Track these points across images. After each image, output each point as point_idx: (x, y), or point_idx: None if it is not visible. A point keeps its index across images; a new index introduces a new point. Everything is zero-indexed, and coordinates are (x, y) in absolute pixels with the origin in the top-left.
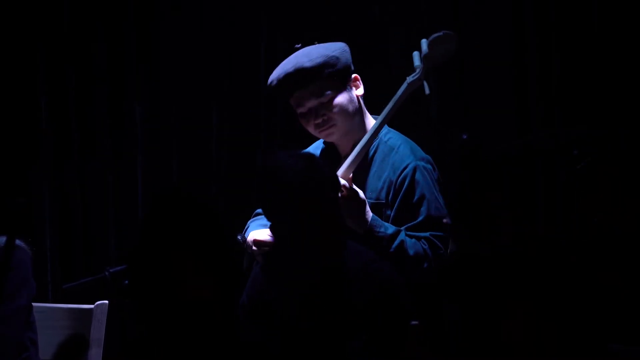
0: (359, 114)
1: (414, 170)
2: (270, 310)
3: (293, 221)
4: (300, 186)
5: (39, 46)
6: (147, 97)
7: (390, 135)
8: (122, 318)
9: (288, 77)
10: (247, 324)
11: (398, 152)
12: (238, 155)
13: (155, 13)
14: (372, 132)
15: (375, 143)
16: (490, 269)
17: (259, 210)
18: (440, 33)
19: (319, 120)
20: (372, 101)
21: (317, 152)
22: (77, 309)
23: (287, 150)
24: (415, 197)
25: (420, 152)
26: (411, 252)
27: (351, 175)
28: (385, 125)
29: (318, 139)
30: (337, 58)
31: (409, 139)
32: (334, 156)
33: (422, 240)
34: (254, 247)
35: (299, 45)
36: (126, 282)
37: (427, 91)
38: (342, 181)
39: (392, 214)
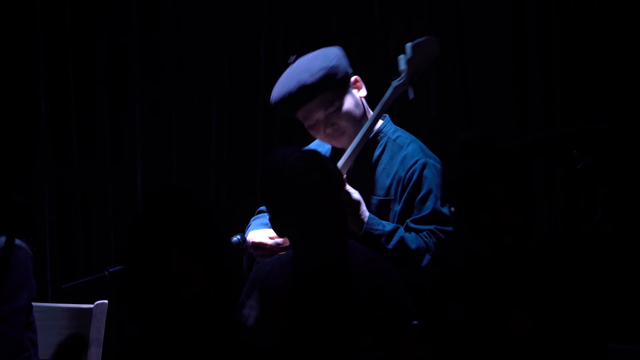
0: (365, 116)
1: (423, 165)
2: (270, 310)
3: (297, 218)
4: (305, 183)
5: (39, 45)
6: (147, 97)
7: (398, 133)
8: (121, 318)
9: (292, 95)
10: (246, 324)
11: (407, 149)
12: (238, 154)
13: (155, 13)
14: (362, 133)
15: (382, 141)
16: (491, 270)
17: (262, 208)
18: (423, 38)
19: (329, 130)
20: (372, 102)
21: (322, 150)
22: (76, 309)
23: (292, 147)
24: (423, 191)
25: (430, 152)
26: (413, 245)
27: (345, 175)
28: (393, 124)
29: None
30: (337, 67)
31: (417, 139)
32: (337, 155)
33: (425, 232)
34: (252, 249)
35: (294, 58)
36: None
37: (411, 96)
38: None
39: (399, 208)
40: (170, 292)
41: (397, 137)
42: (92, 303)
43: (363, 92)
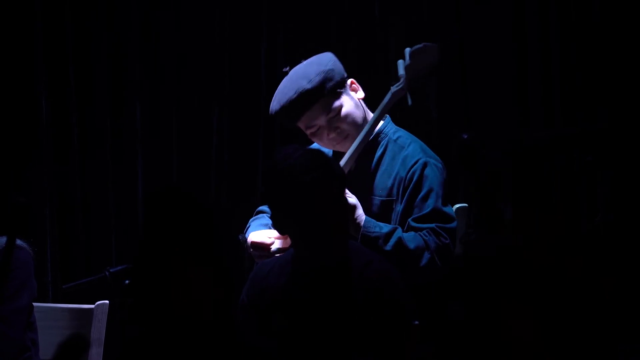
0: (365, 117)
1: (424, 165)
2: (270, 310)
3: (298, 217)
4: (307, 181)
5: (39, 45)
6: (147, 97)
7: (399, 134)
8: (122, 318)
9: (293, 103)
10: (246, 324)
11: (408, 149)
12: (238, 154)
13: (155, 13)
14: (362, 136)
15: (383, 142)
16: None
17: (261, 208)
18: (421, 45)
19: (333, 135)
20: (372, 102)
21: (324, 149)
22: (77, 309)
23: (295, 146)
24: (424, 190)
25: (431, 152)
26: (411, 245)
27: (347, 170)
28: (394, 125)
29: None
30: (333, 71)
31: (418, 139)
32: (338, 156)
33: (425, 231)
34: (251, 250)
35: (287, 69)
36: (126, 281)
37: (409, 103)
38: None
39: (401, 208)
40: (171, 292)
41: (397, 138)
42: (93, 303)
43: (360, 93)
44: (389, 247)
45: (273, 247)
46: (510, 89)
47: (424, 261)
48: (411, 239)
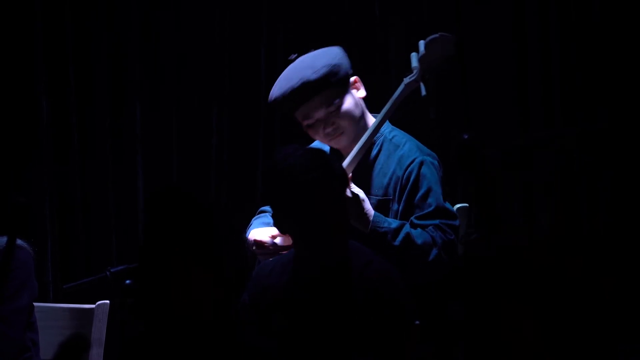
0: (363, 117)
1: (421, 164)
2: (271, 309)
3: (298, 216)
4: (307, 181)
5: (39, 45)
6: (147, 97)
7: (394, 133)
8: (122, 318)
9: (295, 92)
10: (247, 324)
11: (404, 148)
12: (238, 154)
13: (155, 13)
14: (371, 131)
15: (379, 141)
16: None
17: (263, 208)
18: (437, 35)
19: (329, 129)
20: (372, 101)
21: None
22: (78, 309)
23: (295, 145)
24: (423, 190)
25: (427, 149)
26: (419, 241)
27: (350, 174)
28: (389, 124)
29: None
30: (339, 65)
31: (413, 138)
32: (336, 155)
33: (430, 227)
34: (254, 247)
35: (295, 56)
36: (127, 281)
37: (423, 93)
38: None
39: (399, 208)
40: (171, 292)
41: (393, 137)
42: (94, 303)
43: (362, 92)
44: (397, 242)
45: (275, 245)
46: (510, 89)
47: (431, 256)
48: (418, 235)
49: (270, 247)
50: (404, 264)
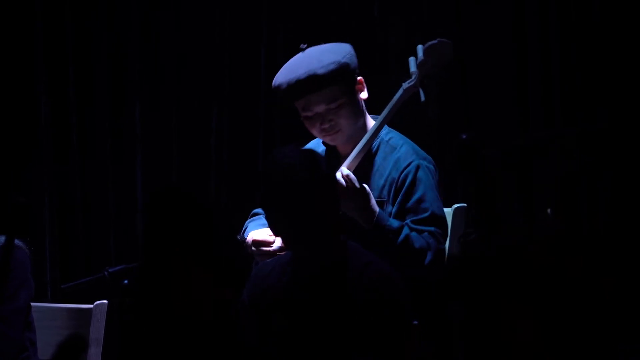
0: (362, 118)
1: (417, 168)
2: (271, 309)
3: (298, 218)
4: (291, 181)
5: (39, 45)
6: (147, 97)
7: (391, 135)
8: (121, 318)
9: (300, 82)
10: (247, 324)
11: (400, 151)
12: (238, 154)
13: (155, 13)
14: (370, 133)
15: (376, 143)
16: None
17: (257, 210)
18: (435, 41)
19: (326, 125)
20: (371, 102)
21: (318, 150)
22: (76, 309)
23: (286, 147)
24: (419, 194)
25: (423, 153)
26: (416, 244)
27: (354, 169)
28: (386, 126)
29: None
30: (348, 64)
31: (410, 140)
32: (334, 155)
33: (425, 233)
34: (252, 248)
35: (305, 46)
36: (125, 281)
37: (422, 98)
38: (347, 171)
39: (393, 210)
40: (171, 292)
41: (390, 139)
42: (92, 303)
43: (364, 94)
44: (397, 242)
45: (275, 245)
46: (510, 89)
47: (426, 261)
48: (416, 239)
49: (269, 248)
50: (400, 263)
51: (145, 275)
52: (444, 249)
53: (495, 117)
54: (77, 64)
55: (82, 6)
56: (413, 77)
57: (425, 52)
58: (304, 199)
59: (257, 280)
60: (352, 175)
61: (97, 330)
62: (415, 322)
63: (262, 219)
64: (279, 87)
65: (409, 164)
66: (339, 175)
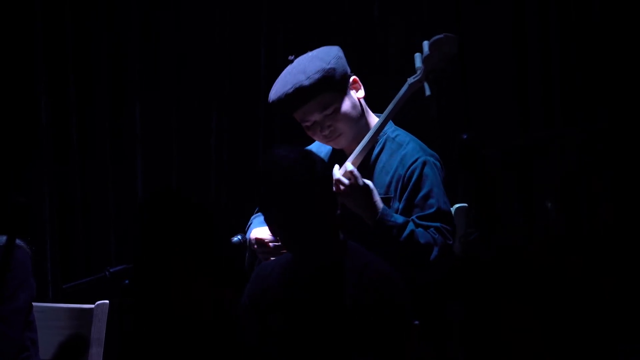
0: (363, 116)
1: (424, 164)
2: (271, 309)
3: (284, 218)
4: (290, 181)
5: (39, 45)
6: (147, 97)
7: (398, 132)
8: (122, 318)
9: (289, 97)
10: (247, 324)
11: (407, 148)
12: (238, 154)
13: (155, 13)
14: (375, 129)
15: (382, 140)
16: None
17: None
18: (441, 35)
19: (326, 132)
20: (372, 101)
21: (323, 150)
22: (77, 309)
23: (283, 147)
24: (425, 190)
25: (429, 150)
26: (422, 240)
27: (358, 164)
28: (392, 124)
29: None
30: (334, 69)
31: (416, 138)
32: (339, 154)
33: (432, 229)
34: (255, 246)
35: (292, 57)
36: (126, 281)
37: (427, 93)
38: (351, 167)
39: (400, 207)
40: (171, 292)
41: (396, 136)
42: (93, 303)
43: (361, 92)
44: (402, 238)
45: (277, 243)
46: (510, 89)
47: (432, 257)
48: (422, 234)
49: (272, 246)
50: (405, 260)
51: (145, 275)
52: (451, 244)
53: (495, 117)
54: (77, 64)
55: (82, 6)
56: (418, 72)
57: (431, 46)
58: (303, 199)
59: (257, 281)
60: (356, 172)
61: (98, 330)
62: (416, 322)
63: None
64: (272, 104)
65: (416, 160)
66: (342, 171)
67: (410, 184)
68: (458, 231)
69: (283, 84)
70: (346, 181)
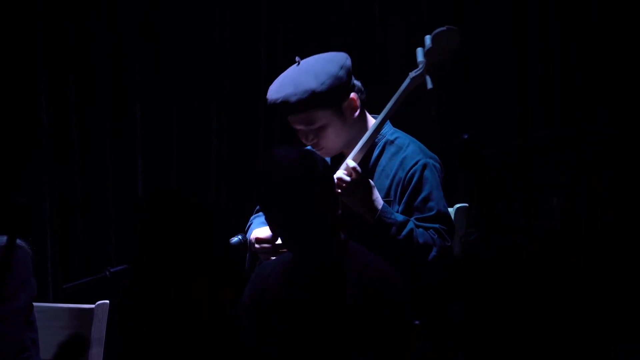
0: (355, 128)
1: (424, 167)
2: (271, 309)
3: (285, 218)
4: (290, 181)
5: (39, 45)
6: (147, 97)
7: (397, 135)
8: (122, 318)
9: (276, 106)
10: (247, 324)
11: (407, 150)
12: (238, 154)
13: (155, 13)
14: (377, 123)
15: (381, 143)
16: (493, 270)
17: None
18: (444, 28)
19: (310, 143)
20: (372, 102)
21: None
22: (78, 309)
23: (283, 147)
24: (425, 193)
25: (429, 152)
26: (420, 240)
27: (359, 160)
28: (392, 126)
29: None
30: (324, 92)
31: (416, 140)
32: (339, 156)
33: (431, 230)
34: (256, 245)
35: (299, 60)
36: (126, 281)
37: (429, 86)
38: (352, 163)
39: (400, 209)
40: (171, 292)
41: (395, 138)
42: (94, 303)
43: (357, 111)
44: (401, 236)
45: (277, 243)
46: (510, 89)
47: (430, 257)
48: (421, 234)
49: (272, 246)
50: (404, 259)
51: (145, 276)
52: (450, 246)
53: (495, 117)
54: (77, 64)
55: (82, 6)
56: (420, 66)
57: (433, 39)
58: (303, 198)
59: (257, 280)
60: (357, 167)
61: (98, 330)
62: (416, 322)
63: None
64: (267, 102)
65: (416, 163)
66: (343, 167)
67: (410, 186)
68: (458, 231)
69: (275, 90)
70: (347, 178)
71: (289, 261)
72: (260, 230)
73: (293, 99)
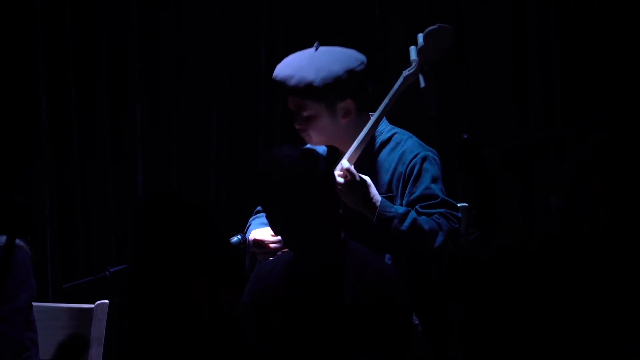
0: (347, 129)
1: (423, 159)
2: (271, 309)
3: (285, 217)
4: (291, 181)
5: (39, 45)
6: (147, 97)
7: (394, 131)
8: (122, 318)
9: (276, 81)
10: (247, 324)
11: (405, 145)
12: (238, 154)
13: (155, 13)
14: (371, 123)
15: (379, 140)
16: (493, 270)
17: (260, 208)
18: (435, 26)
19: (297, 126)
20: (372, 101)
21: (320, 149)
22: (77, 309)
23: (285, 145)
24: (426, 184)
25: (427, 147)
26: (426, 227)
27: (354, 161)
28: (388, 123)
29: None
30: (318, 87)
31: (413, 135)
32: (335, 153)
33: (436, 215)
34: (254, 247)
35: (317, 45)
36: (127, 281)
37: (422, 84)
38: (347, 164)
39: (403, 202)
40: (171, 292)
41: (393, 134)
42: (93, 303)
43: (350, 117)
44: (404, 227)
45: (276, 244)
46: (510, 89)
47: (437, 242)
48: (425, 221)
49: (270, 247)
50: (410, 249)
51: (145, 276)
52: (457, 228)
53: (495, 117)
54: (77, 64)
55: (82, 6)
56: (413, 64)
57: (425, 37)
58: (304, 198)
59: (257, 280)
60: (352, 168)
61: (98, 330)
62: (416, 322)
63: (264, 217)
64: (274, 74)
65: (415, 156)
66: (338, 169)
67: (411, 178)
68: (459, 230)
69: (284, 65)
70: (342, 180)
71: (289, 261)
72: (259, 232)
73: (290, 82)
